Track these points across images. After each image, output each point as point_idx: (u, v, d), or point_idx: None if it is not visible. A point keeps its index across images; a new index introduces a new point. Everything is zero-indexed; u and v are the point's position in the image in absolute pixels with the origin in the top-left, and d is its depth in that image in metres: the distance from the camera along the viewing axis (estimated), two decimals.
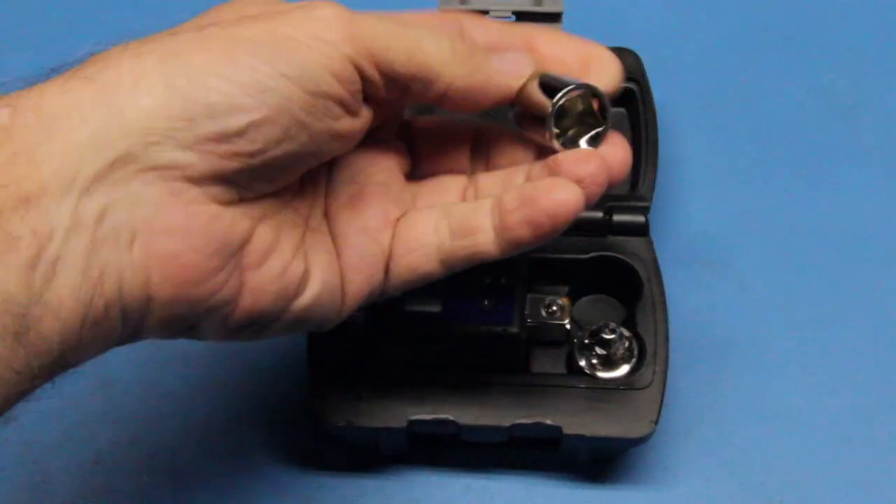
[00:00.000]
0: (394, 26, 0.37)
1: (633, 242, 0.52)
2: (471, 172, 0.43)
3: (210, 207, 0.35)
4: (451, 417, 0.47)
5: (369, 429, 0.47)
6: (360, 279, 0.40)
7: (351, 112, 0.37)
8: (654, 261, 0.51)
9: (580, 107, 0.40)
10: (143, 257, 0.34)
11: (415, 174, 0.44)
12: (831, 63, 0.64)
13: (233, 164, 0.35)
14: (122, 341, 0.36)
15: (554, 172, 0.39)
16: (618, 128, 0.55)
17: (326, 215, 0.41)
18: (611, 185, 0.40)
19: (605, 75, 0.41)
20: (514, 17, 0.55)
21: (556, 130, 0.40)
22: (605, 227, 0.52)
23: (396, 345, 0.48)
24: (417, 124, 0.44)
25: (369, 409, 0.47)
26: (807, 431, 0.52)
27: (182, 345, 0.54)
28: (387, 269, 0.41)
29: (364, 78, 0.37)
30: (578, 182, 0.39)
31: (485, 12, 0.55)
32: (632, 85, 0.55)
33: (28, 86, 0.34)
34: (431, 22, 0.40)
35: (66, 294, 0.32)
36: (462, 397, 0.47)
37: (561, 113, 0.40)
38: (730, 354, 0.54)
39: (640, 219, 0.52)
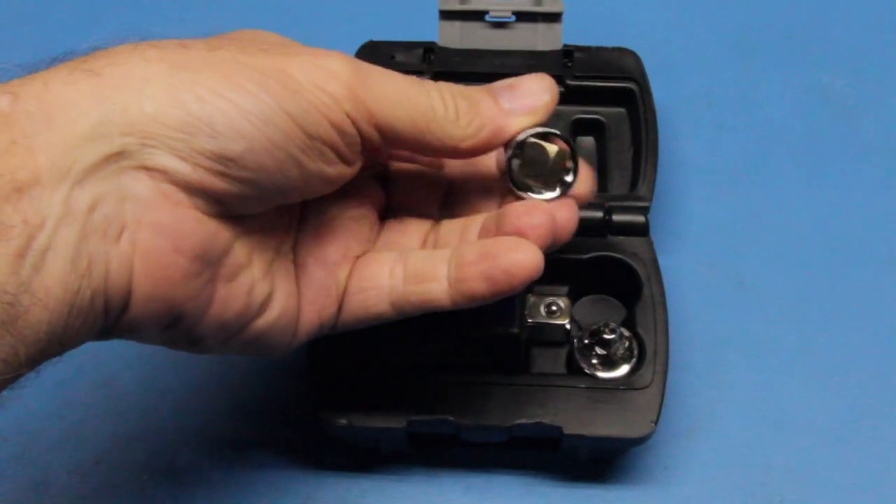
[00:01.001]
0: (401, 90, 0.38)
1: (633, 242, 0.52)
2: (438, 218, 0.44)
3: (196, 213, 0.36)
4: (451, 417, 0.47)
5: (369, 429, 0.47)
6: (313, 311, 0.41)
7: (345, 161, 0.38)
8: (654, 261, 0.51)
9: (552, 158, 0.40)
10: (129, 250, 0.35)
11: (385, 212, 0.44)
12: (831, 63, 0.64)
13: (222, 184, 0.35)
14: (101, 335, 0.37)
15: (500, 222, 0.40)
16: (618, 128, 0.56)
17: (295, 243, 0.41)
18: (555, 243, 0.40)
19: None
20: (514, 18, 0.55)
21: (513, 173, 0.40)
22: (605, 227, 0.52)
23: (396, 345, 0.48)
24: (395, 167, 0.45)
25: (369, 409, 0.47)
26: (807, 431, 0.52)
27: None
28: (340, 305, 0.42)
29: (362, 135, 0.37)
30: (518, 232, 0.39)
31: (484, 12, 0.55)
32: (632, 85, 0.55)
33: (27, 73, 0.34)
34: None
35: (55, 283, 0.33)
36: (462, 397, 0.47)
37: (530, 160, 0.40)
38: (730, 355, 0.54)
39: (640, 219, 0.52)
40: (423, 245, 0.43)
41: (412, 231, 0.44)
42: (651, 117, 0.55)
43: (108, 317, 0.35)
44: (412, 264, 0.41)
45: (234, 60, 0.35)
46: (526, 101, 0.40)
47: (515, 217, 0.39)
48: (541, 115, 0.40)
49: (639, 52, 0.56)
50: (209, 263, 0.37)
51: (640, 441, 0.47)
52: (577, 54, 0.56)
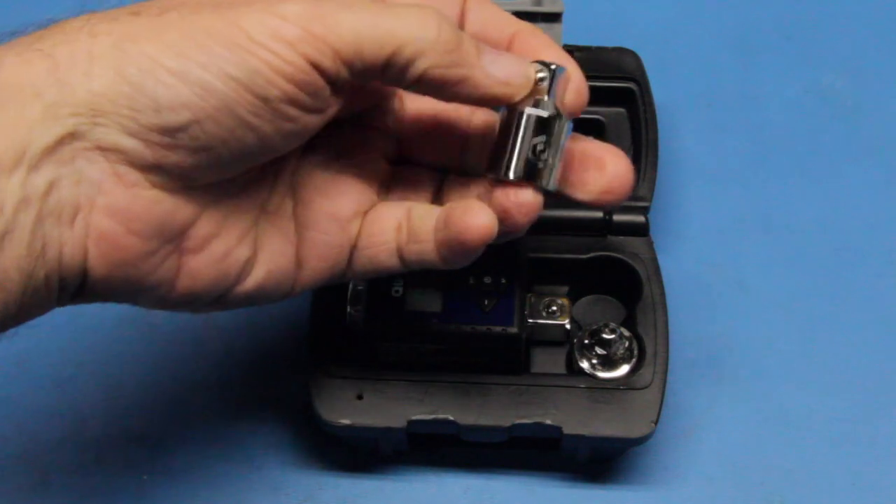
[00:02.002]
0: (367, 15, 0.35)
1: (633, 242, 0.52)
2: (458, 166, 0.43)
3: (152, 192, 0.35)
4: (451, 417, 0.47)
5: (369, 429, 0.47)
6: (323, 267, 0.41)
7: (312, 110, 0.36)
8: (654, 261, 0.51)
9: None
10: (83, 234, 0.35)
11: (398, 159, 0.43)
12: (831, 63, 0.64)
13: (174, 157, 0.35)
14: (61, 304, 0.37)
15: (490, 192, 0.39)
16: (618, 128, 0.56)
17: (294, 196, 0.40)
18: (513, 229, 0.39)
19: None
20: None
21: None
22: (605, 227, 0.52)
23: (396, 345, 0.48)
24: (408, 110, 0.43)
25: (369, 409, 0.47)
26: (807, 431, 0.52)
27: (182, 344, 0.55)
28: (350, 257, 0.41)
29: (327, 75, 0.35)
30: (503, 212, 0.38)
31: None
32: (632, 85, 0.55)
33: None
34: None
35: (11, 266, 0.33)
36: (462, 397, 0.47)
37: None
38: (730, 354, 0.54)
39: (640, 219, 0.52)
40: (433, 199, 0.42)
41: (423, 184, 0.42)
42: (651, 117, 0.55)
43: (63, 294, 0.36)
44: (412, 222, 0.40)
45: (181, 24, 0.34)
46: (505, 72, 0.38)
47: (502, 194, 0.38)
48: (514, 91, 0.38)
49: (639, 52, 0.56)
50: (168, 241, 0.37)
51: (640, 441, 0.47)
52: (577, 54, 0.55)
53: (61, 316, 0.54)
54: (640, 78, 0.55)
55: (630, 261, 0.51)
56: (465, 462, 0.52)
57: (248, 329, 0.55)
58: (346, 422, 0.47)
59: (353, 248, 0.41)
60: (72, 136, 0.34)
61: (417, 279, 0.48)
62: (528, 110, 0.38)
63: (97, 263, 0.35)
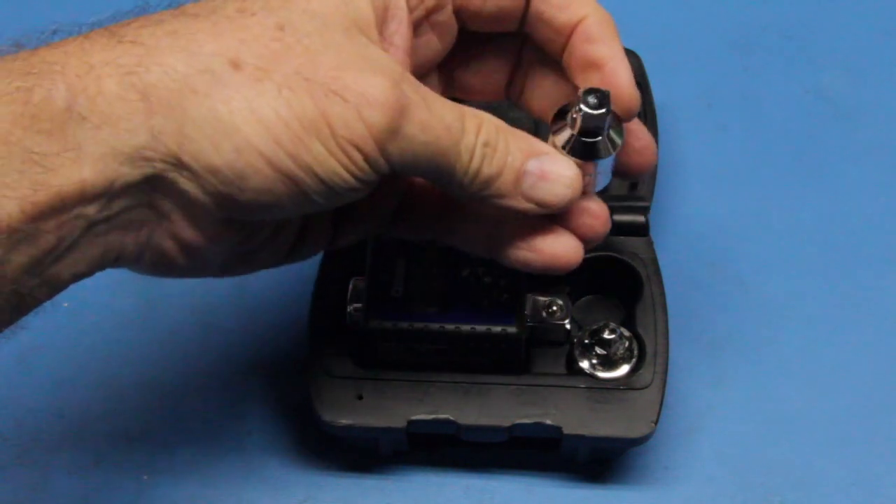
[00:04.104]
0: (436, 140, 0.37)
1: (633, 242, 0.52)
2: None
3: (211, 228, 0.37)
4: (451, 417, 0.47)
5: (369, 429, 0.47)
6: (356, 234, 0.44)
7: (362, 192, 0.38)
8: (654, 261, 0.51)
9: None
10: (143, 246, 0.37)
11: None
12: (831, 63, 0.64)
13: (241, 214, 0.37)
14: None
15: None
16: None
17: None
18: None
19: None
20: None
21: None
22: None
23: (396, 345, 0.48)
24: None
25: (369, 409, 0.47)
26: (807, 431, 0.52)
27: (182, 344, 0.55)
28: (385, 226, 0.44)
29: (379, 173, 0.37)
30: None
31: None
32: None
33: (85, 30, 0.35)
34: None
35: (66, 271, 0.35)
36: (462, 397, 0.47)
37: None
38: (730, 354, 0.54)
39: (640, 219, 0.52)
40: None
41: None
42: (651, 117, 0.55)
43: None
44: (457, 221, 0.43)
45: (277, 99, 0.35)
46: (542, 196, 0.39)
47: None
48: (548, 211, 0.40)
49: (639, 52, 0.56)
50: (221, 256, 0.39)
51: (640, 441, 0.47)
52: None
53: (61, 316, 0.54)
54: (641, 78, 0.55)
55: (630, 261, 0.51)
56: (465, 462, 0.52)
57: (248, 329, 0.55)
58: (346, 422, 0.47)
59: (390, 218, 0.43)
60: (156, 179, 0.35)
61: (417, 279, 0.48)
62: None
63: (149, 267, 0.38)
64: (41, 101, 0.33)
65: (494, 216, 0.42)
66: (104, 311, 0.55)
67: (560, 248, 0.41)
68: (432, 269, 0.48)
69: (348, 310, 0.48)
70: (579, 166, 0.40)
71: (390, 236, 0.46)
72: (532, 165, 0.39)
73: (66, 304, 0.55)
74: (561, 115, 0.40)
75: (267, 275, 0.54)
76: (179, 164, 0.34)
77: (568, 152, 0.40)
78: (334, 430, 0.48)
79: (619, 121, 0.40)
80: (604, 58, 0.40)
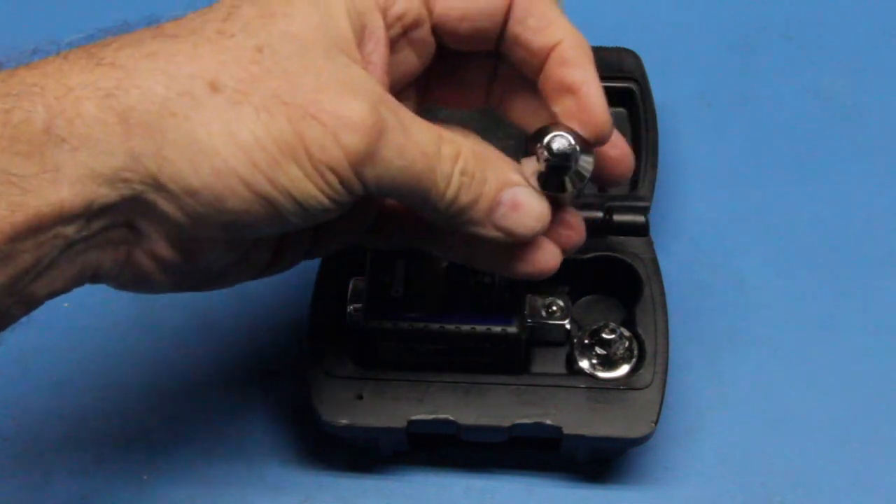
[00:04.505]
0: (411, 167, 0.37)
1: (633, 242, 0.52)
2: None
3: (189, 246, 0.38)
4: (451, 417, 0.47)
5: (369, 429, 0.47)
6: (332, 246, 0.44)
7: (337, 213, 0.38)
8: (654, 261, 0.51)
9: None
10: (122, 262, 0.37)
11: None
12: (831, 63, 0.64)
13: (220, 235, 0.37)
14: None
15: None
16: (618, 128, 0.56)
17: None
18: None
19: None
20: None
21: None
22: (605, 227, 0.52)
23: (396, 345, 0.48)
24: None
25: (369, 409, 0.47)
26: (807, 431, 0.52)
27: (182, 344, 0.55)
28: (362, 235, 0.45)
29: (354, 195, 0.37)
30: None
31: None
32: (632, 85, 0.55)
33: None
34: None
35: (42, 289, 0.35)
36: (462, 397, 0.47)
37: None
38: (730, 354, 0.54)
39: (640, 219, 0.52)
40: None
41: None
42: (651, 117, 0.55)
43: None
44: (435, 232, 0.43)
45: (255, 122, 0.35)
46: (511, 226, 0.40)
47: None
48: (515, 240, 0.41)
49: (639, 52, 0.56)
50: (198, 273, 0.40)
51: (640, 441, 0.47)
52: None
53: (61, 316, 0.54)
54: (640, 78, 0.55)
55: (630, 261, 0.51)
56: (465, 462, 0.52)
57: (247, 329, 0.55)
58: (346, 422, 0.47)
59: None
60: (134, 200, 0.35)
61: (417, 279, 0.48)
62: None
63: (125, 282, 0.38)
64: (20, 122, 0.33)
65: None
66: (104, 312, 0.55)
67: (539, 255, 0.42)
68: (432, 268, 0.48)
69: (348, 310, 0.48)
70: (549, 198, 0.40)
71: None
72: (506, 196, 0.40)
73: (66, 305, 0.55)
74: (536, 137, 0.40)
75: None
76: (158, 186, 0.35)
77: (537, 184, 0.40)
78: (334, 430, 0.48)
79: (589, 147, 0.40)
80: (577, 82, 0.40)
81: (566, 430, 0.47)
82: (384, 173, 0.37)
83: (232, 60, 0.35)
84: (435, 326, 0.47)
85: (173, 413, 0.53)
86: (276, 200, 0.36)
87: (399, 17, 0.40)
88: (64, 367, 0.54)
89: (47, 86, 0.34)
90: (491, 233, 0.40)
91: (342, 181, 0.36)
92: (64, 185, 0.33)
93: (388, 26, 0.39)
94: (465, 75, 0.44)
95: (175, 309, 0.55)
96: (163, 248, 0.37)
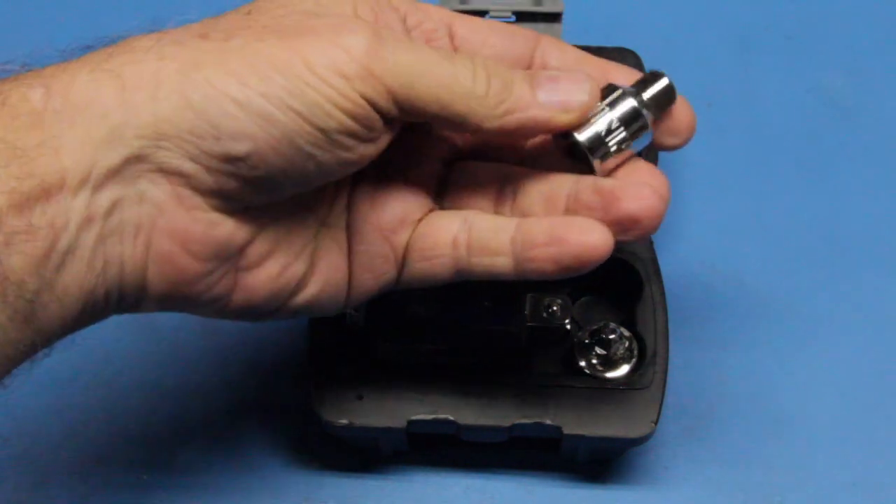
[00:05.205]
0: (424, 61, 0.36)
1: (633, 242, 0.51)
2: (518, 163, 0.42)
3: (211, 215, 0.36)
4: (451, 417, 0.47)
5: (369, 429, 0.47)
6: (369, 278, 0.40)
7: (367, 140, 0.36)
8: (654, 261, 0.51)
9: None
10: (143, 253, 0.36)
11: (454, 157, 0.42)
12: (831, 63, 0.64)
13: (234, 183, 0.36)
14: (118, 313, 0.38)
15: (605, 202, 0.38)
16: None
17: (349, 209, 0.40)
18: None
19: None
20: (514, 18, 0.55)
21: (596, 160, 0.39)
22: None
23: (396, 345, 0.48)
24: None
25: (369, 409, 0.47)
26: (807, 431, 0.52)
27: (183, 345, 0.55)
28: (400, 269, 0.40)
29: (381, 112, 0.36)
30: (631, 217, 0.38)
31: (484, 12, 0.55)
32: None
33: (64, 58, 0.35)
34: (502, 41, 0.40)
35: (73, 282, 0.34)
36: (462, 397, 0.47)
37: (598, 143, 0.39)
38: (730, 354, 0.54)
39: None
40: (498, 202, 0.41)
41: (485, 188, 0.41)
42: None
43: (121, 306, 0.37)
44: (476, 235, 0.39)
45: (245, 50, 0.35)
46: (563, 97, 0.38)
47: (628, 200, 0.38)
48: (576, 115, 0.38)
49: (639, 52, 0.56)
50: (225, 261, 0.37)
51: (640, 441, 0.47)
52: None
53: None
54: None
55: (630, 261, 0.51)
56: (465, 462, 0.52)
57: (248, 329, 0.55)
58: (346, 422, 0.47)
59: (404, 259, 0.40)
60: (136, 158, 0.34)
61: None
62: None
63: (156, 281, 0.36)
64: (18, 100, 0.33)
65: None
66: None
67: (588, 234, 0.38)
68: None
69: (348, 310, 0.48)
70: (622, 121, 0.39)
71: None
72: (540, 76, 0.38)
73: None
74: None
75: None
76: (156, 136, 0.34)
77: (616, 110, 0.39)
78: (334, 430, 0.48)
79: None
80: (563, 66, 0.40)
81: (566, 430, 0.47)
82: (400, 64, 0.35)
83: (222, 21, 0.36)
84: (435, 326, 0.47)
85: (173, 413, 0.53)
86: (274, 116, 0.34)
87: (418, 24, 0.40)
88: (64, 367, 0.54)
89: (44, 70, 0.34)
90: (546, 112, 0.37)
91: (352, 82, 0.34)
92: (64, 154, 0.33)
93: (408, 30, 0.39)
94: (474, 195, 0.42)
95: None
96: (181, 221, 0.36)
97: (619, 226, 0.38)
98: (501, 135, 0.38)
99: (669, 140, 0.41)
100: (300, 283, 0.39)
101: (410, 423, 0.47)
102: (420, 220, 0.40)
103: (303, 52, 0.34)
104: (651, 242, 0.51)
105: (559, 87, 0.38)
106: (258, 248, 0.38)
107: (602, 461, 0.51)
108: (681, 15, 0.66)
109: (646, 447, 0.50)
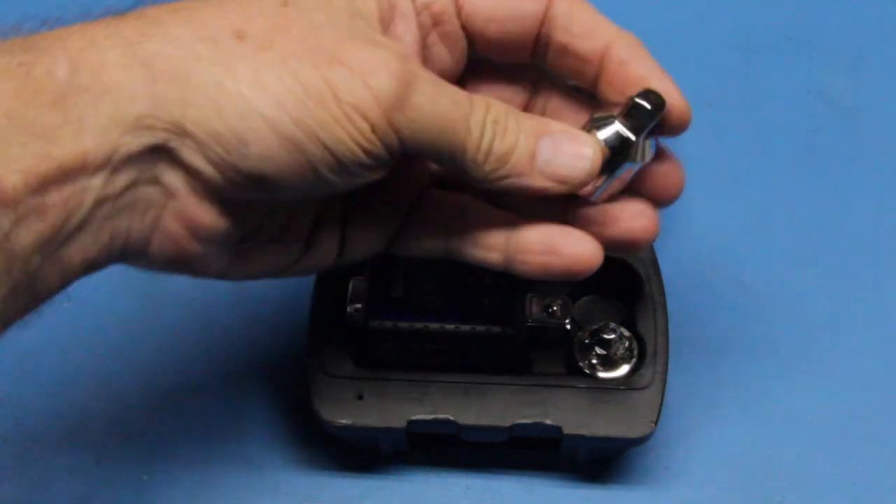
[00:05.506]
0: (441, 119, 0.36)
1: None
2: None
3: (220, 207, 0.37)
4: (451, 417, 0.47)
5: (369, 429, 0.47)
6: (361, 250, 0.42)
7: (375, 169, 0.37)
8: (654, 261, 0.51)
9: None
10: (150, 228, 0.36)
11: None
12: (832, 63, 0.64)
13: (248, 194, 0.36)
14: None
15: (604, 220, 0.41)
16: None
17: (346, 195, 0.41)
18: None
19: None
20: None
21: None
22: None
23: (396, 345, 0.48)
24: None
25: (369, 409, 0.47)
26: (807, 431, 0.52)
27: (183, 344, 0.55)
28: (392, 244, 0.42)
29: (391, 152, 0.37)
30: (630, 238, 0.41)
31: None
32: None
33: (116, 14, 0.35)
34: (510, 7, 0.40)
35: (76, 255, 0.34)
36: (462, 397, 0.47)
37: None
38: (730, 354, 0.54)
39: None
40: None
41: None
42: None
43: (119, 263, 0.38)
44: (470, 228, 0.41)
45: (282, 70, 0.35)
46: (562, 171, 0.39)
47: (627, 219, 0.41)
48: (574, 188, 0.39)
49: None
50: (229, 247, 0.38)
51: (640, 441, 0.47)
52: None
53: (61, 316, 0.54)
54: None
55: (630, 261, 0.51)
56: (465, 462, 0.52)
57: (248, 329, 0.55)
58: (346, 422, 0.47)
59: (398, 233, 0.42)
60: (159, 149, 0.34)
61: (417, 279, 0.48)
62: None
63: (157, 254, 0.37)
64: (42, 74, 0.33)
65: (506, 224, 0.41)
66: (104, 311, 0.55)
67: (580, 248, 0.40)
68: (432, 269, 0.48)
69: (348, 310, 0.48)
70: (606, 162, 0.39)
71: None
72: (544, 141, 0.38)
73: (66, 304, 0.55)
74: (594, 122, 0.40)
75: None
76: (181, 132, 0.34)
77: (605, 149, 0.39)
78: (334, 430, 0.48)
79: (655, 136, 0.40)
80: (644, 77, 0.40)
81: (566, 430, 0.47)
82: (417, 120, 0.36)
83: (257, 13, 0.35)
84: (435, 326, 0.47)
85: (173, 413, 0.53)
86: (304, 145, 0.35)
87: (427, 6, 0.39)
88: (64, 367, 0.54)
89: (70, 39, 0.34)
90: (540, 182, 0.38)
91: (373, 127, 0.35)
92: (87, 135, 0.33)
93: (418, 12, 0.39)
94: (502, 91, 0.43)
95: (175, 309, 0.55)
96: (191, 208, 0.36)
97: (614, 244, 0.41)
98: (493, 190, 0.39)
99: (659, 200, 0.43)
100: (297, 260, 0.41)
101: (410, 423, 0.47)
102: (420, 198, 0.42)
103: (333, 84, 0.35)
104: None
105: (560, 153, 0.39)
106: (259, 235, 0.39)
107: (602, 461, 0.51)
108: (681, 15, 0.66)
109: (646, 447, 0.50)
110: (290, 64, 0.35)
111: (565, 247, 0.40)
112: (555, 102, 0.43)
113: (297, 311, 0.53)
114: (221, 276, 0.40)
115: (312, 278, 0.50)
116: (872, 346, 0.54)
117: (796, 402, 0.53)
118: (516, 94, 0.43)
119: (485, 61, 0.42)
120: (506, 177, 0.38)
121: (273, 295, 0.55)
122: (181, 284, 0.54)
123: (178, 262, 0.38)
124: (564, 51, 0.40)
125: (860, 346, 0.54)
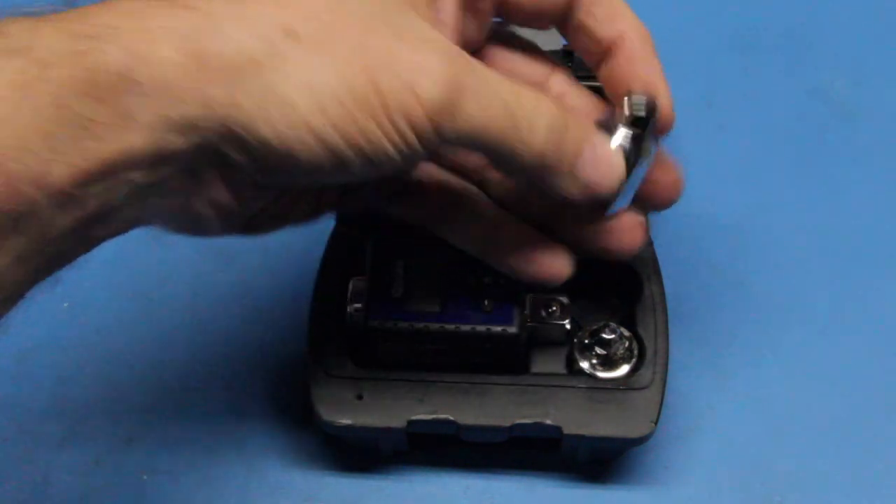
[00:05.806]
0: (493, 118, 0.36)
1: None
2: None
3: (247, 192, 0.37)
4: (451, 417, 0.47)
5: (369, 429, 0.47)
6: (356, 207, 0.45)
7: (411, 167, 0.38)
8: (655, 261, 0.51)
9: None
10: (175, 208, 0.37)
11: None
12: (831, 63, 0.64)
13: (278, 185, 0.38)
14: None
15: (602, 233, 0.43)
16: None
17: None
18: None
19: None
20: None
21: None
22: None
23: (396, 345, 0.48)
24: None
25: (369, 409, 0.47)
26: (807, 431, 0.52)
27: (183, 344, 0.55)
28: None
29: (431, 151, 0.37)
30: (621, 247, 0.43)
31: None
32: None
33: None
34: None
35: (104, 232, 0.35)
36: (462, 397, 0.47)
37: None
38: (730, 354, 0.54)
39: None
40: None
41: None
42: None
43: None
44: (461, 218, 0.44)
45: (330, 72, 0.34)
46: (595, 178, 0.40)
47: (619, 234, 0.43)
48: (597, 195, 0.40)
49: None
50: (244, 218, 0.39)
51: (640, 441, 0.47)
52: (577, 54, 0.55)
53: (61, 316, 0.54)
54: None
55: (630, 260, 0.51)
56: (465, 462, 0.52)
57: (247, 329, 0.55)
58: (346, 422, 0.47)
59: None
60: (204, 148, 0.34)
61: (417, 279, 0.48)
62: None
63: (172, 226, 0.38)
64: (95, 65, 0.32)
65: (494, 220, 0.42)
66: (104, 311, 0.55)
67: (554, 261, 0.42)
68: (432, 269, 0.48)
69: (348, 310, 0.48)
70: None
71: (391, 235, 0.47)
72: (588, 149, 0.39)
73: (65, 304, 0.55)
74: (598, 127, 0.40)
75: (268, 274, 0.54)
76: (229, 135, 0.34)
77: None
78: (334, 430, 0.48)
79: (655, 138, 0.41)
80: (646, 81, 0.41)
81: (566, 430, 0.47)
82: (464, 128, 0.36)
83: (310, 9, 0.35)
84: (435, 326, 0.47)
85: (173, 413, 0.53)
86: (347, 156, 0.35)
87: None
88: (64, 366, 0.54)
89: (124, 26, 0.33)
90: (572, 187, 0.39)
91: (419, 135, 0.35)
92: (135, 131, 0.33)
93: None
94: (524, 63, 0.44)
95: (175, 309, 0.56)
96: (222, 195, 0.37)
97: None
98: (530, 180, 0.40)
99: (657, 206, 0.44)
100: (298, 222, 0.42)
101: (410, 423, 0.47)
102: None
103: (379, 87, 0.35)
104: (651, 242, 0.51)
105: (596, 169, 0.39)
106: (270, 210, 0.40)
107: (602, 461, 0.51)
108: (681, 15, 0.66)
109: (646, 447, 0.50)
110: (340, 69, 0.34)
111: (539, 256, 0.43)
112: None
113: (297, 311, 0.53)
114: (228, 234, 0.40)
115: (312, 278, 0.50)
116: (872, 346, 0.54)
117: (796, 402, 0.53)
118: (536, 66, 0.44)
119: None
120: (547, 175, 0.39)
121: (273, 295, 0.56)
122: (181, 284, 0.55)
123: (188, 230, 0.39)
124: (582, 30, 0.41)
125: (860, 346, 0.54)
